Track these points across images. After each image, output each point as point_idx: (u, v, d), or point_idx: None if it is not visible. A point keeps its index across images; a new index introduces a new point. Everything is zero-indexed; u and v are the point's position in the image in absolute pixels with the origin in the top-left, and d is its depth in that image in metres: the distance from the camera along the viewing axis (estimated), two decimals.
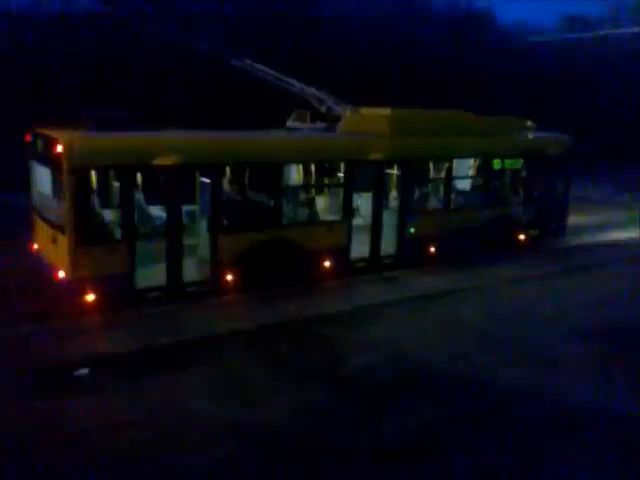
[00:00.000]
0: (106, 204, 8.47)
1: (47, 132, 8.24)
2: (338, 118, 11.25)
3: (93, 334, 7.76)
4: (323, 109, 11.35)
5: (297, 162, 10.00)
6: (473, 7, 43.75)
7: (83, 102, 13.23)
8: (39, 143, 8.55)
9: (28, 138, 9.15)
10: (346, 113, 10.91)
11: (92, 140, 8.01)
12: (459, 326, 8.63)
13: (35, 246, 9.38)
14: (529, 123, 13.37)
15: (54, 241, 8.15)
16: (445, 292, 10.01)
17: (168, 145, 8.46)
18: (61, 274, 7.99)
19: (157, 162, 8.24)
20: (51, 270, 8.31)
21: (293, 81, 11.12)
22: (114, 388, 6.50)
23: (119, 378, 6.71)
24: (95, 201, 8.14)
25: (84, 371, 6.72)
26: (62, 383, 6.59)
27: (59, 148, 7.64)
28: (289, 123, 11.54)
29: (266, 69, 10.90)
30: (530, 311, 9.35)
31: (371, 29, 32.35)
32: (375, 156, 10.37)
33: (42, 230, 8.80)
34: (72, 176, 7.62)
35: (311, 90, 11.14)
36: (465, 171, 12.07)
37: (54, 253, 8.21)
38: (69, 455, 5.31)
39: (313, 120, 11.56)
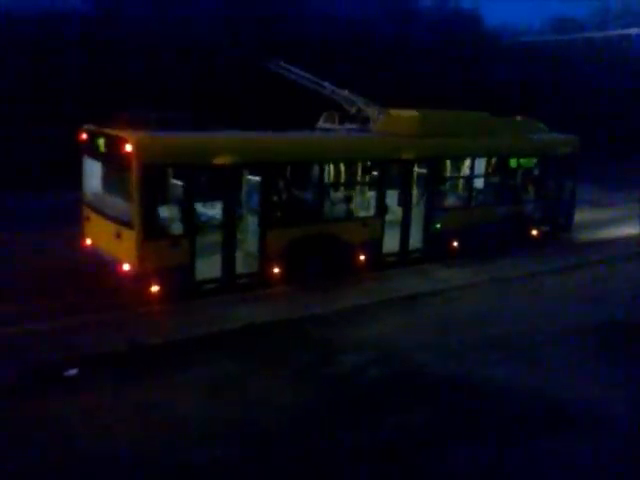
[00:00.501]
0: (168, 201, 9.04)
1: (111, 131, 8.83)
2: (367, 119, 11.99)
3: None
4: (353, 110, 12.08)
5: (342, 161, 10.74)
6: (460, 8, 44.97)
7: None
8: (100, 142, 9.13)
9: (83, 136, 9.70)
10: (379, 114, 11.66)
11: (159, 140, 8.64)
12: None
13: (88, 241, 9.93)
14: (541, 124, 14.34)
15: (118, 236, 8.73)
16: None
17: (228, 145, 9.16)
18: (126, 267, 8.59)
19: (217, 161, 8.91)
20: (113, 263, 8.89)
21: (325, 83, 11.84)
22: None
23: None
24: (159, 198, 8.73)
25: (73, 371, 6.80)
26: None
27: (128, 147, 8.25)
28: (320, 124, 12.23)
29: (300, 72, 11.61)
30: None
31: (358, 30, 33.21)
32: (407, 155, 11.16)
33: (100, 225, 9.36)
34: (141, 174, 8.23)
35: (343, 92, 11.87)
36: (484, 169, 12.93)
37: (117, 247, 8.79)
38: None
39: (341, 121, 12.27)
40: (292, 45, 21.38)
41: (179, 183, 8.93)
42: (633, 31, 42.08)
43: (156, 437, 5.74)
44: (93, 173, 9.73)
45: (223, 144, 9.16)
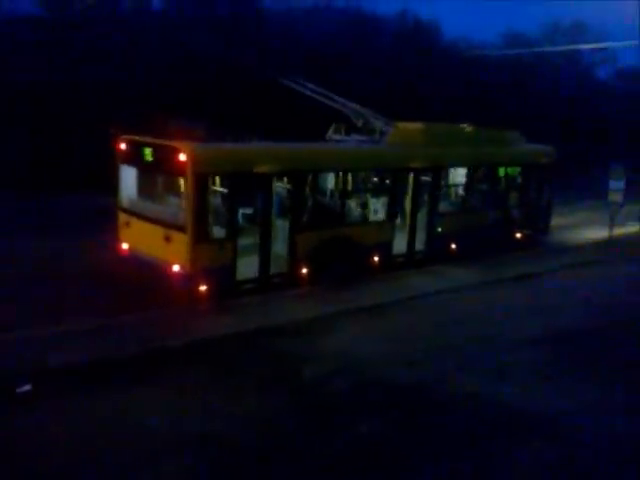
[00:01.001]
0: (215, 206, 9.90)
1: (162, 142, 9.65)
2: (373, 131, 13.19)
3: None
4: (360, 123, 13.26)
5: (361, 170, 11.90)
6: (420, 21, 46.97)
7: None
8: (146, 151, 9.92)
9: (121, 146, 10.46)
10: (386, 127, 12.89)
11: (209, 150, 9.56)
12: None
13: (124, 246, 10.66)
14: (521, 136, 15.96)
15: (167, 239, 9.55)
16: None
17: (266, 155, 10.15)
18: (176, 268, 9.42)
19: (256, 170, 9.88)
20: (158, 266, 9.69)
21: (336, 97, 12.99)
22: None
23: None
24: (208, 204, 9.60)
25: (26, 387, 6.86)
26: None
27: (182, 157, 9.12)
28: (329, 135, 13.34)
29: (315, 87, 12.73)
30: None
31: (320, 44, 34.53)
32: (414, 164, 12.44)
33: (144, 230, 10.13)
34: (193, 182, 9.12)
35: (353, 105, 13.05)
36: (478, 177, 14.37)
37: (166, 250, 9.59)
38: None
39: (348, 133, 13.42)
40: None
41: (224, 190, 9.83)
42: (582, 47, 45.46)
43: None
44: (132, 181, 10.50)
45: (262, 154, 10.18)
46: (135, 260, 10.35)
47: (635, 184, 18.24)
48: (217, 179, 9.76)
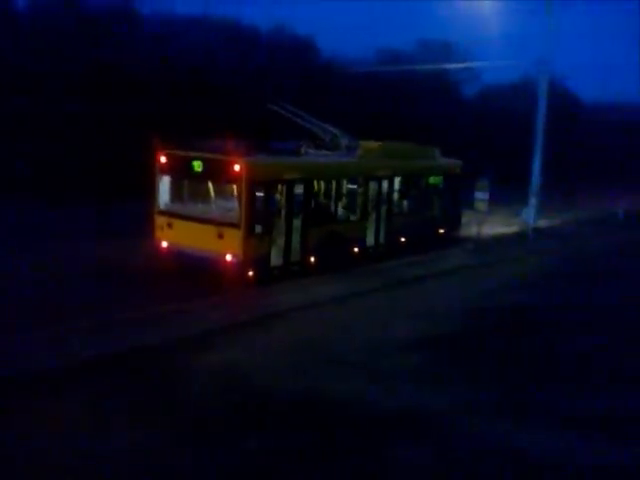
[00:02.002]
0: (258, 207, 13.24)
1: (217, 155, 12.96)
2: (338, 146, 17.23)
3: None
4: (327, 139, 17.25)
5: (347, 178, 15.92)
6: (297, 36, 51.34)
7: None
8: (195, 163, 13.13)
9: (162, 159, 13.47)
10: (350, 143, 17.02)
11: (256, 162, 13.08)
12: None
13: (164, 244, 13.60)
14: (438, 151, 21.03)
15: (220, 235, 12.78)
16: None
17: (290, 166, 13.84)
18: (229, 257, 12.70)
19: (283, 177, 13.51)
20: (209, 257, 12.85)
21: (309, 117, 16.88)
22: None
23: None
24: (256, 205, 12.99)
25: None
26: None
27: (237, 168, 12.51)
28: (304, 150, 17.04)
29: (297, 110, 16.52)
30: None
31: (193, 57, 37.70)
32: (379, 173, 16.76)
33: (191, 229, 13.22)
34: (246, 188, 12.58)
35: (325, 125, 17.02)
36: (416, 183, 19.07)
37: (219, 244, 12.82)
38: None
39: (317, 148, 17.31)
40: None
41: (263, 194, 13.26)
42: (451, 66, 52.74)
43: None
44: (173, 188, 13.53)
45: (286, 166, 13.89)
46: (177, 255, 13.38)
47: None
48: (259, 185, 13.19)
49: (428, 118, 46.27)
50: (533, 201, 22.72)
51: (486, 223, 21.40)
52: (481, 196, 20.87)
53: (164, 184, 13.74)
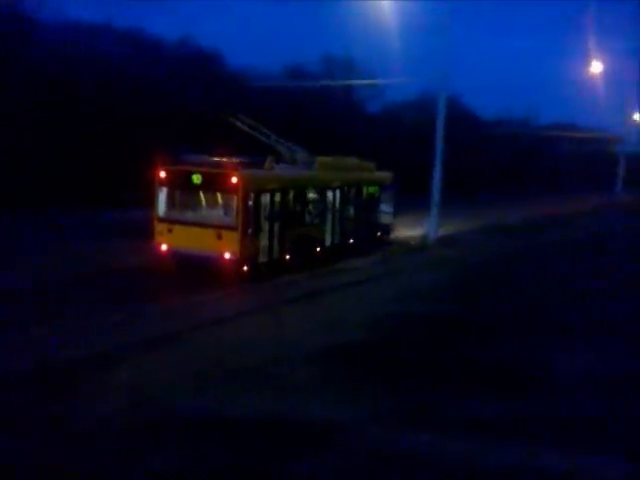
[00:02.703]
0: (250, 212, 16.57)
1: (215, 169, 16.25)
2: (295, 161, 20.88)
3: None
4: (288, 155, 20.85)
5: (312, 187, 19.55)
6: (203, 48, 53.87)
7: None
8: (194, 177, 16.31)
9: (162, 174, 16.50)
10: (307, 158, 20.74)
11: (249, 174, 16.42)
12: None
13: (164, 246, 16.58)
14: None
15: (219, 237, 15.98)
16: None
17: (272, 178, 17.30)
18: (227, 255, 15.96)
19: (268, 187, 16.97)
20: (208, 257, 16.00)
21: (270, 134, 20.43)
22: None
23: None
24: (249, 210, 16.33)
25: None
26: None
27: (234, 179, 15.82)
28: (269, 164, 20.49)
29: (255, 124, 20.00)
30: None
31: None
32: (333, 184, 20.61)
33: (191, 232, 16.33)
34: (242, 197, 15.92)
35: (287, 142, 20.61)
36: (361, 193, 23.12)
37: (217, 244, 16.02)
38: None
39: (277, 162, 20.86)
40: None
41: (252, 202, 16.60)
42: (355, 82, 57.30)
43: None
44: (172, 198, 16.60)
45: (269, 177, 17.33)
46: (176, 255, 16.43)
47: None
48: (250, 194, 16.53)
49: (332, 133, 48.68)
50: (434, 212, 25.42)
51: (391, 233, 25.63)
52: (386, 208, 25.15)
53: (163, 195, 16.78)
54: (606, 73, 48.44)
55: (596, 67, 48.23)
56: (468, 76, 54.81)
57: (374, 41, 64.29)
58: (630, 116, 57.87)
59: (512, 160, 64.64)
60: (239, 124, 20.06)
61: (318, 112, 52.82)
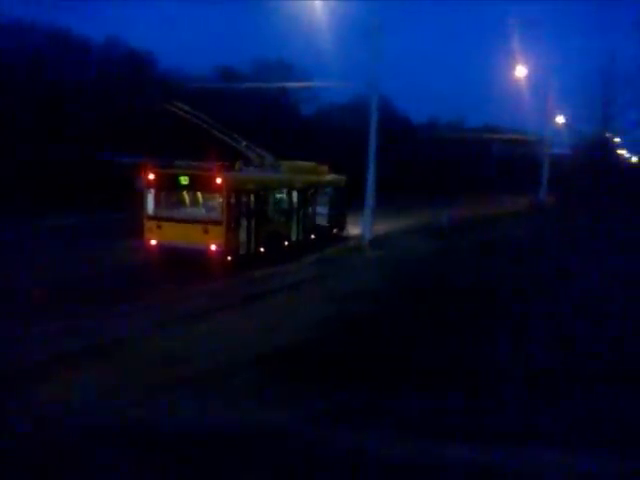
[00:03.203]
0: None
1: (201, 172, 19.02)
2: (263, 165, 23.83)
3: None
4: (256, 159, 23.79)
5: (279, 188, 22.59)
6: (134, 50, 53.29)
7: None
8: (182, 178, 19.04)
9: (150, 176, 19.15)
10: (274, 161, 23.78)
11: (231, 176, 19.24)
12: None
13: (153, 241, 19.21)
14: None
15: (206, 231, 18.76)
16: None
17: (250, 180, 20.26)
18: (213, 247, 18.76)
19: (246, 188, 19.92)
20: (196, 249, 18.76)
21: (241, 139, 23.35)
22: None
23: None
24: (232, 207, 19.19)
25: None
26: None
27: (219, 180, 18.67)
28: (239, 167, 23.27)
29: (226, 131, 22.87)
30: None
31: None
32: (296, 185, 23.75)
33: (179, 228, 19.01)
34: (226, 195, 18.78)
35: (257, 148, 23.58)
36: (320, 193, 26.37)
37: (204, 238, 18.74)
38: None
39: (246, 165, 23.74)
40: None
41: (234, 200, 19.46)
42: (289, 85, 59.76)
43: None
44: (160, 198, 19.29)
45: (248, 179, 20.23)
46: (164, 249, 19.11)
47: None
48: (233, 193, 19.41)
49: (266, 135, 52.87)
50: (368, 213, 26.70)
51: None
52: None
53: (151, 196, 19.41)
54: (530, 77, 53.34)
55: (520, 71, 52.40)
56: (401, 80, 59.39)
57: (307, 44, 67.32)
58: (553, 118, 63.45)
59: (442, 163, 68.56)
60: (215, 132, 22.88)
61: (251, 114, 54.22)
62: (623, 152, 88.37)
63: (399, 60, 74.72)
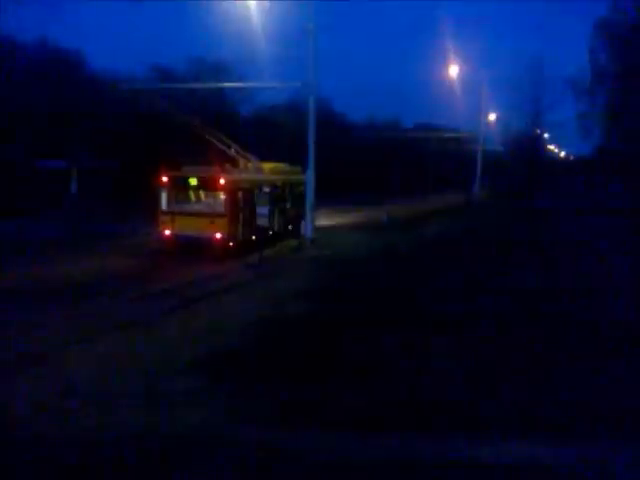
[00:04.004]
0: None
1: (208, 174, 24.89)
2: (247, 168, 29.79)
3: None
4: (242, 163, 29.75)
5: (265, 187, 28.70)
6: (62, 48, 55.43)
7: None
8: (191, 179, 24.74)
9: (164, 179, 24.98)
10: (257, 164, 29.84)
11: (232, 177, 25.18)
12: None
13: (167, 232, 24.99)
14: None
15: (212, 222, 24.50)
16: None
17: (244, 180, 26.37)
18: (218, 235, 24.39)
19: (242, 187, 26.01)
20: (204, 237, 24.65)
21: (231, 144, 29.29)
22: None
23: None
24: (233, 203, 25.12)
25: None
26: None
27: (222, 181, 24.64)
28: (227, 168, 29.04)
29: (218, 135, 28.75)
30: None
31: None
32: (277, 184, 29.91)
33: (190, 220, 24.58)
34: (229, 193, 24.64)
35: (246, 153, 29.50)
36: (293, 191, 32.30)
37: (211, 228, 24.22)
38: None
39: (233, 167, 29.58)
40: None
41: (234, 197, 25.31)
42: (225, 85, 63.00)
43: None
44: (173, 197, 25.15)
45: (243, 179, 26.35)
46: (176, 238, 24.86)
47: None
48: (233, 191, 25.39)
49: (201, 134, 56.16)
50: (309, 213, 28.91)
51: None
52: (262, 211, 30.40)
53: (165, 194, 25.14)
54: (463, 77, 60.07)
55: (453, 70, 58.87)
56: (339, 81, 65.17)
57: (243, 44, 70.81)
58: (486, 116, 71.14)
59: (380, 162, 74.17)
60: (206, 135, 28.65)
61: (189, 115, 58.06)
62: (552, 147, 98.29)
63: (336, 60, 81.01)
